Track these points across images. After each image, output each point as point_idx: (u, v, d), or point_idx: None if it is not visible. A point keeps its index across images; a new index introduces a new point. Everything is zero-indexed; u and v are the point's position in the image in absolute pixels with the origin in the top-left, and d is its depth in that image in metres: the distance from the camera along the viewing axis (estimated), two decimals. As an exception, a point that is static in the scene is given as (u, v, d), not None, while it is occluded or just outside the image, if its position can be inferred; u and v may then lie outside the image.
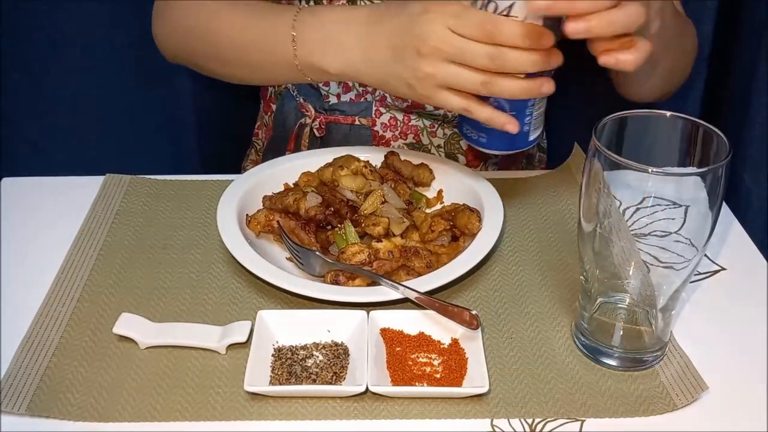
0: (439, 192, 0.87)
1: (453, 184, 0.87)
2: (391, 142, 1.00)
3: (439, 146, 1.00)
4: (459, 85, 0.71)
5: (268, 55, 0.84)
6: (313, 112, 1.01)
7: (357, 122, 0.99)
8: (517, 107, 0.74)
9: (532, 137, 0.78)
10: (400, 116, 0.99)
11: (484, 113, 0.73)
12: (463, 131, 0.79)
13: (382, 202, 0.80)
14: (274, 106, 1.07)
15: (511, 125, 0.72)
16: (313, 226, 0.78)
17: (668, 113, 0.65)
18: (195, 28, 0.89)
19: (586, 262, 0.66)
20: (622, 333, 0.67)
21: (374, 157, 0.89)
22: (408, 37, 0.72)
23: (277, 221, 0.79)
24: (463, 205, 0.81)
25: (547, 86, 0.71)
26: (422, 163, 0.88)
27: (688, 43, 0.93)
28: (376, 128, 0.99)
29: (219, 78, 0.93)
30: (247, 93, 1.17)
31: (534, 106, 0.75)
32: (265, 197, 0.83)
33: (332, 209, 0.80)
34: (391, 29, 0.74)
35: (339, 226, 0.79)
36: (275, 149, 1.07)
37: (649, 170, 0.58)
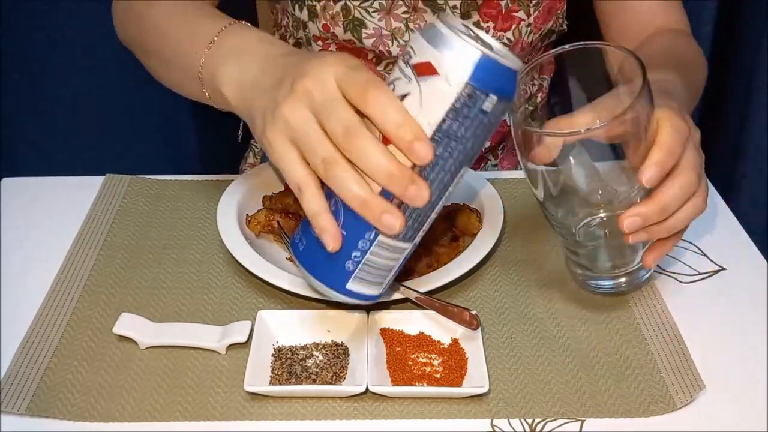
0: (439, 192, 0.87)
1: (453, 184, 0.87)
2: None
3: None
4: (306, 148, 0.56)
5: (180, 55, 0.75)
6: None
7: None
8: (349, 226, 0.57)
9: (353, 286, 0.60)
10: None
11: (312, 203, 0.57)
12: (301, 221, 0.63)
13: (382, 202, 0.80)
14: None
15: (328, 236, 0.56)
16: (313, 226, 0.78)
17: None
18: (135, 13, 0.85)
19: (546, 198, 0.68)
20: (608, 250, 0.69)
21: (374, 157, 0.89)
22: (294, 68, 0.59)
23: (277, 221, 0.79)
24: (463, 205, 0.81)
25: (389, 220, 0.55)
26: (422, 163, 0.88)
27: (701, 84, 0.92)
28: None
29: (152, 73, 0.87)
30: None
31: (372, 244, 0.58)
32: (265, 197, 0.83)
33: (332, 209, 0.80)
34: (290, 62, 0.62)
35: (339, 226, 0.79)
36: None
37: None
